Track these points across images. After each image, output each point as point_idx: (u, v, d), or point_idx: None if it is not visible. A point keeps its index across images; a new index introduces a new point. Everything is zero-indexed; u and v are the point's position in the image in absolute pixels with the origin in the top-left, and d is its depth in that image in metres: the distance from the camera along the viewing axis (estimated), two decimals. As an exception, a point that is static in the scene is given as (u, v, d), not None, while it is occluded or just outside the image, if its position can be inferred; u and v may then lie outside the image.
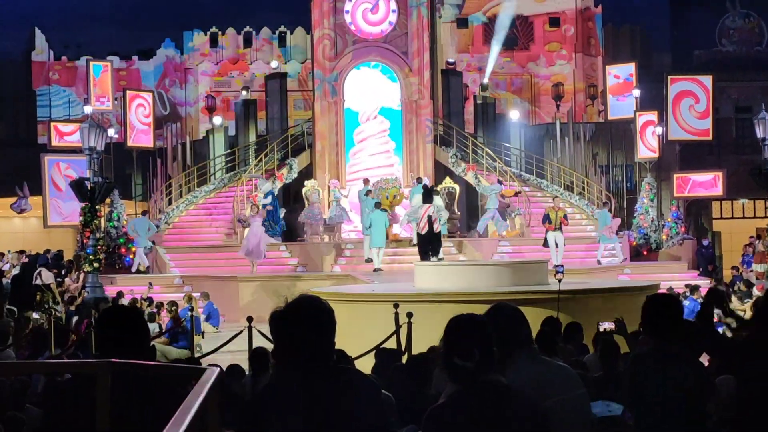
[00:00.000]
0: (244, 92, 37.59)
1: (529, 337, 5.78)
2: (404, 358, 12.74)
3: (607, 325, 11.34)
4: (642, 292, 18.98)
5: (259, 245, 27.45)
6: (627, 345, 10.20)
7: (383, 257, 28.13)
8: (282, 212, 30.50)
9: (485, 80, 38.59)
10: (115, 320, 4.94)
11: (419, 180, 31.08)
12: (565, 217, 27.58)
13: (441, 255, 26.16)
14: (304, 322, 4.71)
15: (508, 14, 40.13)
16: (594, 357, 11.06)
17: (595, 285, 20.91)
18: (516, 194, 31.56)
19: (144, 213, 30.64)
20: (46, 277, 24.18)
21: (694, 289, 22.75)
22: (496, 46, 39.64)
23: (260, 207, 28.65)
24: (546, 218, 27.45)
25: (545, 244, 27.39)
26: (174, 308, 21.27)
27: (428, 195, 26.57)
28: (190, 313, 20.06)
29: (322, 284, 25.24)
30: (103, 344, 4.92)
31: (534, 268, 19.92)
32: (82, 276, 26.36)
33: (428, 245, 25.76)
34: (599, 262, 28.95)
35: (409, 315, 15.77)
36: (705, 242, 32.88)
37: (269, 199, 29.91)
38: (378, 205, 28.79)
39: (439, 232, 26.55)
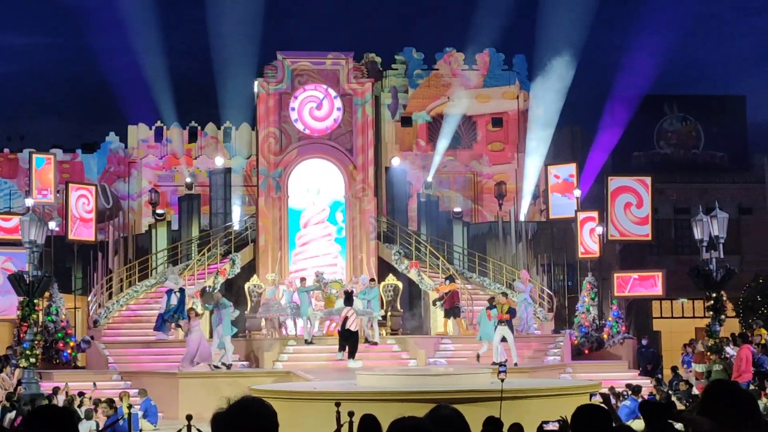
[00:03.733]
0: (187, 184, 37.55)
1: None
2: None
3: (551, 426, 11.29)
4: (584, 391, 19.07)
5: (204, 347, 27.11)
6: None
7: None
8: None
9: (429, 179, 38.95)
10: (44, 421, 4.85)
11: (372, 281, 31.26)
12: (510, 311, 27.67)
13: (359, 363, 27.06)
14: (247, 427, 4.66)
15: (453, 114, 40.71)
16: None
17: (537, 385, 20.93)
18: (446, 294, 31.48)
19: None
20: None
21: (635, 389, 22.82)
22: (440, 146, 40.10)
23: (197, 312, 28.23)
24: (491, 305, 27.77)
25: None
26: (112, 405, 20.89)
27: (348, 299, 28.55)
28: (126, 410, 19.73)
29: (264, 381, 25.01)
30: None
31: (474, 377, 20.15)
32: (17, 371, 25.85)
33: (344, 341, 27.94)
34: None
35: (351, 414, 15.62)
36: (644, 342, 33.12)
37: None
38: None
39: (356, 332, 28.42)
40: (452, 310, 31.33)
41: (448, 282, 31.58)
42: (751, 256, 40.23)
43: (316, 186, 34.86)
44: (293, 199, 34.79)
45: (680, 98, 43.91)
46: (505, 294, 28.84)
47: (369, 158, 34.98)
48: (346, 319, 28.23)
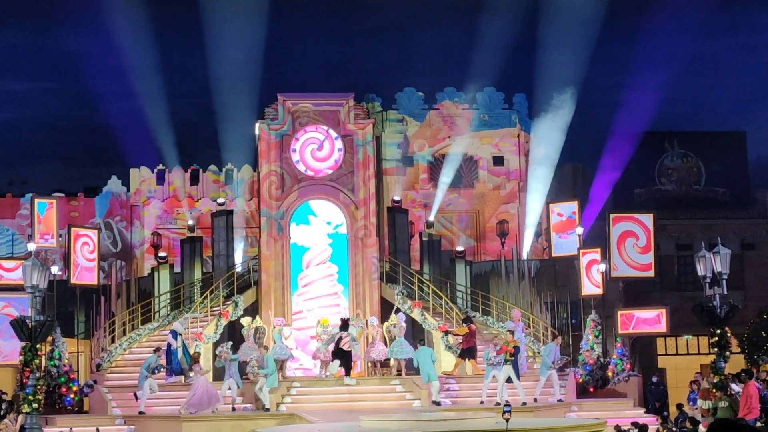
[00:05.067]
0: (189, 227, 37.55)
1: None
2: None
3: None
4: (589, 430, 18.97)
5: (208, 392, 27.17)
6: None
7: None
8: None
9: (431, 218, 38.96)
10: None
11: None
12: (515, 350, 27.63)
13: (354, 381, 29.37)
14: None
15: (454, 154, 40.86)
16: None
17: (542, 424, 20.81)
18: (463, 336, 31.38)
19: None
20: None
21: (642, 428, 22.68)
22: (442, 185, 40.17)
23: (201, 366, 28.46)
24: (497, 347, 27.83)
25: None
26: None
27: (345, 326, 30.15)
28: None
29: (267, 424, 24.90)
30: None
31: (479, 418, 20.07)
32: (20, 417, 25.72)
33: (339, 359, 29.69)
34: (535, 400, 28.90)
35: (356, 456, 15.56)
36: (654, 379, 32.95)
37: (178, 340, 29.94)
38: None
39: (349, 351, 29.94)
40: (468, 351, 31.15)
41: (465, 324, 31.35)
42: (754, 291, 40.16)
43: (320, 219, 35.04)
44: (296, 236, 34.76)
45: (680, 135, 43.94)
46: (511, 332, 28.75)
47: (371, 199, 34.99)
48: (340, 339, 29.42)
